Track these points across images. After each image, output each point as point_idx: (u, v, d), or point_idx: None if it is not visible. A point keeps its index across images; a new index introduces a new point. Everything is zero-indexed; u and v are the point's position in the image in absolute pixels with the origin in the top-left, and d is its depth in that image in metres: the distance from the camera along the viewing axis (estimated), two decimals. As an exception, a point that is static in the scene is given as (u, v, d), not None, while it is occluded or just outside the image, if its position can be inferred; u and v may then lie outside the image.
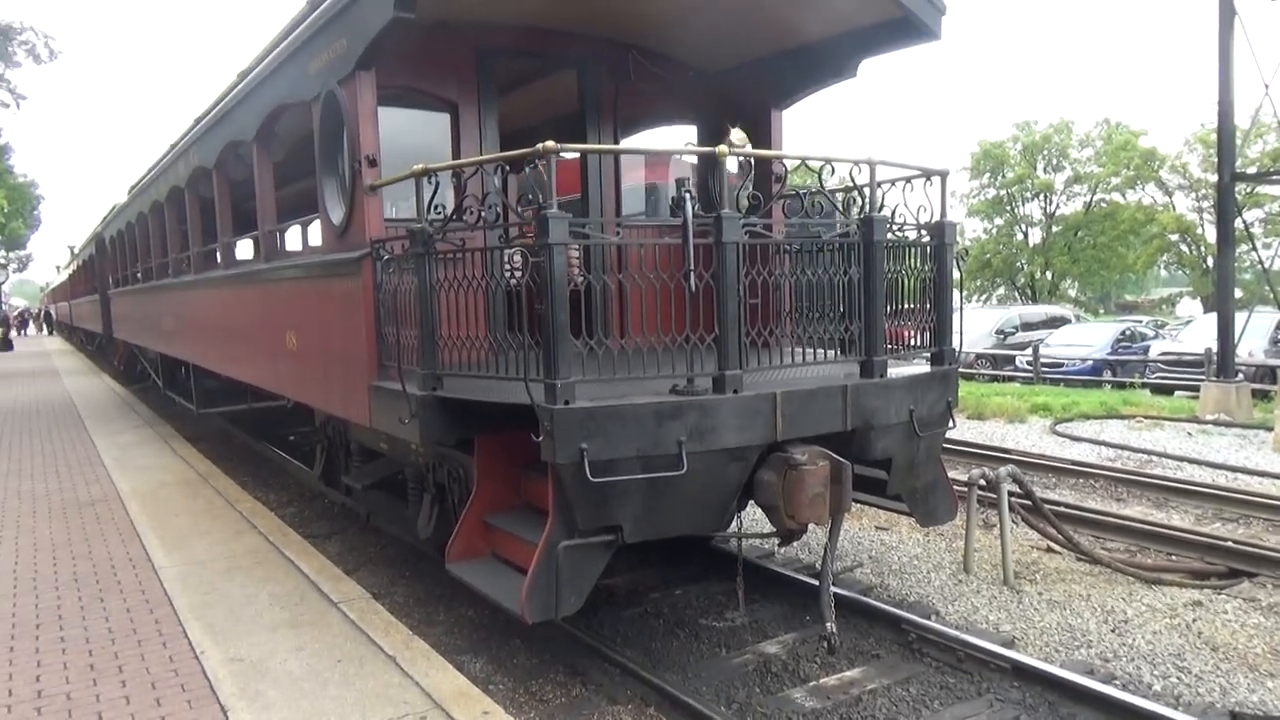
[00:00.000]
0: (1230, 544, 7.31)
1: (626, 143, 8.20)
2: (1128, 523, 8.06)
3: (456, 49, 6.75)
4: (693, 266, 4.62)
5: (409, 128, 7.07)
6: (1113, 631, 5.87)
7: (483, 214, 5.04)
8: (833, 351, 5.56)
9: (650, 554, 6.70)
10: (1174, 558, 7.33)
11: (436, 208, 5.17)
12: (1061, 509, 8.35)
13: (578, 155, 7.68)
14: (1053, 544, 7.43)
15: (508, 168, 5.76)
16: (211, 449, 12.30)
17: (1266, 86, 15.49)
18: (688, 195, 4.83)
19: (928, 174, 6.26)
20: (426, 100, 6.90)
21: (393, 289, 5.49)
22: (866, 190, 5.51)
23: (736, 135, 6.70)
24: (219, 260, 10.30)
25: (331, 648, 4.75)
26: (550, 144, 4.43)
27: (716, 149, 4.84)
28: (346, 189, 6.16)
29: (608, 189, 7.63)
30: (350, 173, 6.01)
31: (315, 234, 8.68)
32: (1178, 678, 5.20)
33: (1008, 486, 6.86)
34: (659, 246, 5.67)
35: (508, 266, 5.47)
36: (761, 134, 7.83)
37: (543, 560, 4.40)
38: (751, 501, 5.08)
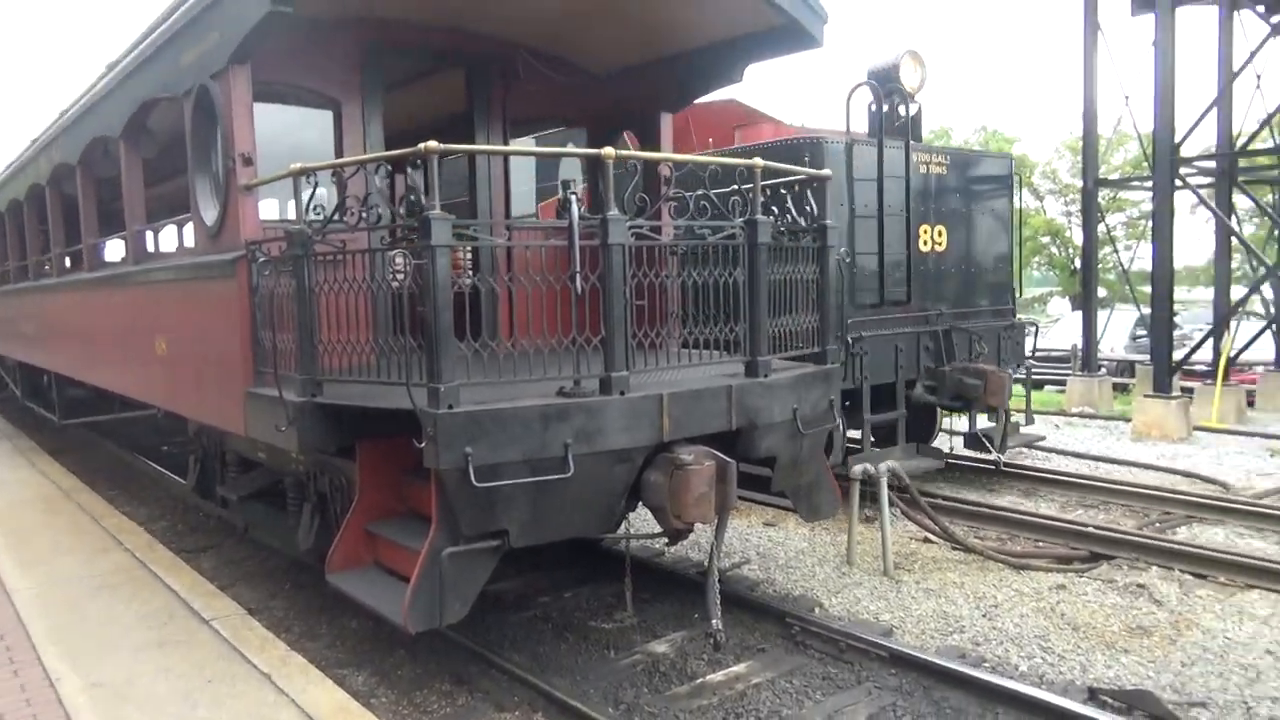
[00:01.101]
0: (1091, 529, 7.76)
1: (516, 144, 8.14)
2: (1000, 512, 8.46)
3: (340, 45, 6.56)
4: (578, 268, 4.62)
5: (290, 125, 6.85)
6: (984, 616, 6.15)
7: (363, 215, 4.92)
8: (719, 352, 5.66)
9: (540, 557, 6.66)
10: (1040, 544, 7.73)
11: (316, 208, 5.03)
12: (938, 500, 8.70)
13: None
14: (930, 535, 7.73)
15: (390, 167, 5.64)
16: (76, 463, 11.61)
17: (1127, 98, 16.68)
18: (573, 197, 4.82)
19: (811, 178, 6.44)
20: (308, 97, 6.69)
21: (269, 292, 5.30)
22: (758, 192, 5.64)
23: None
24: (85, 262, 9.75)
25: (201, 667, 4.56)
26: (432, 144, 4.36)
27: (602, 151, 4.86)
28: (220, 188, 5.92)
29: (496, 190, 7.55)
30: (224, 171, 5.78)
31: (190, 235, 8.32)
32: (1042, 658, 5.48)
33: (885, 480, 7.11)
34: (546, 248, 5.65)
35: (391, 269, 5.36)
36: (651, 136, 7.91)
37: (426, 568, 4.32)
38: (640, 502, 5.11)
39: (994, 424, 9.72)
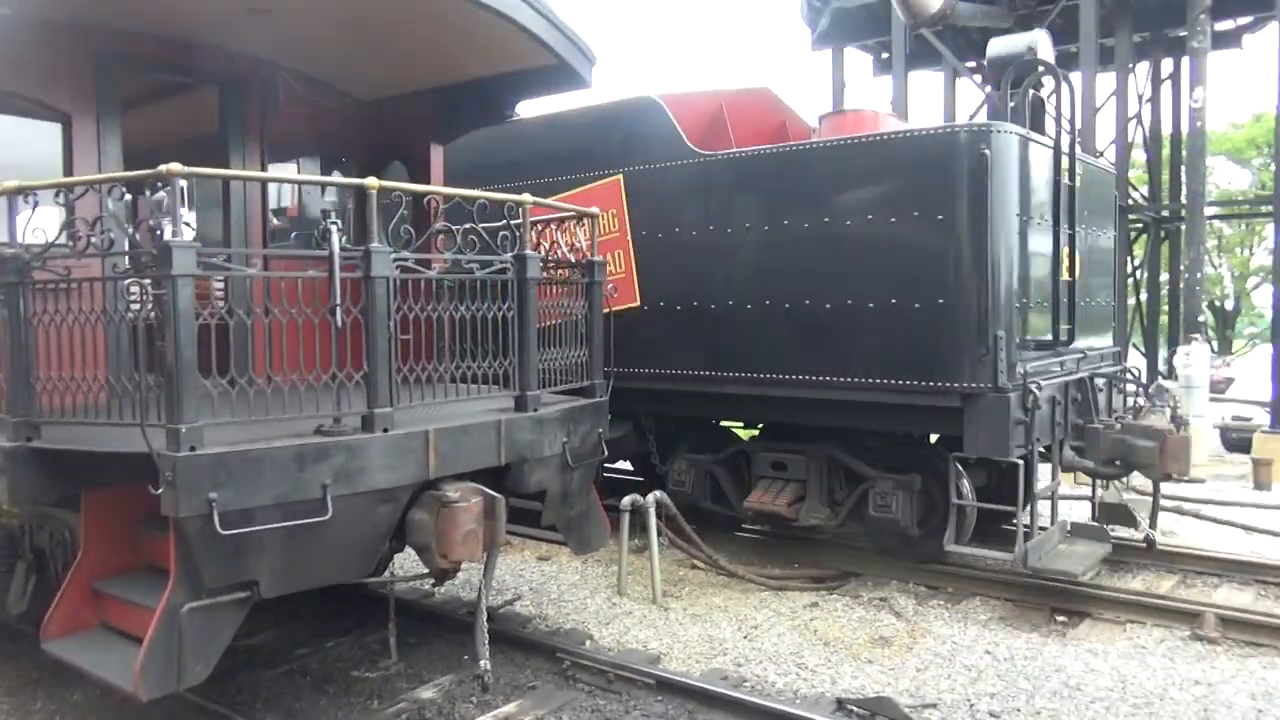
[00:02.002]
0: (839, 549, 8.36)
1: (276, 169, 7.74)
2: (760, 537, 8.92)
3: (70, 53, 5.97)
4: (339, 301, 4.45)
5: (14, 138, 6.14)
6: (745, 638, 6.45)
7: (92, 240, 4.48)
8: (491, 386, 5.62)
9: (299, 606, 6.28)
10: (797, 565, 8.22)
11: (36, 231, 4.54)
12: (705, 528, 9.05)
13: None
14: (697, 561, 8.03)
15: (125, 189, 5.20)
16: None
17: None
18: (333, 227, 4.64)
19: (580, 215, 6.58)
20: (32, 108, 6.03)
21: (-25, 324, 4.70)
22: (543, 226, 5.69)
23: None
24: None
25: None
26: (175, 166, 4.06)
27: (365, 181, 4.73)
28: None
29: (253, 216, 7.13)
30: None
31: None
32: (797, 673, 5.82)
33: (654, 510, 7.32)
34: (305, 280, 5.39)
35: (127, 299, 4.91)
36: (421, 167, 7.80)
37: (161, 627, 3.95)
38: (406, 543, 4.95)
39: (1107, 489, 8.31)
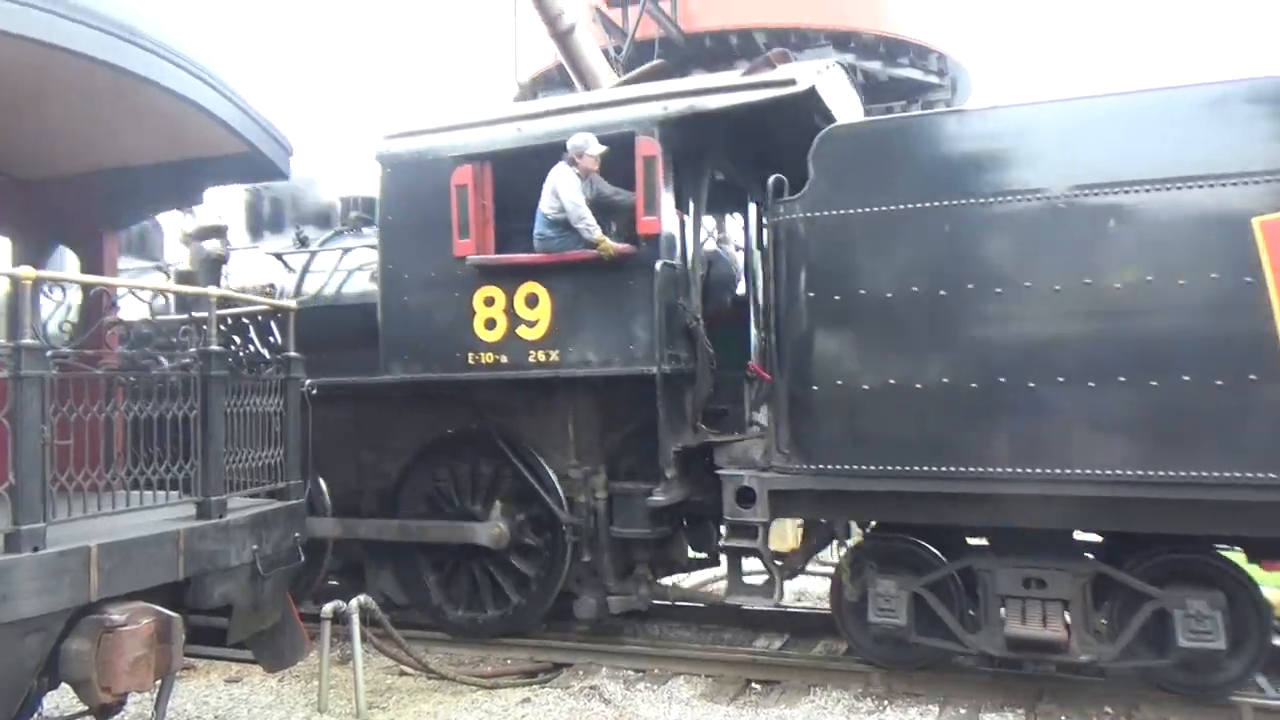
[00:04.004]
0: (551, 641, 8.36)
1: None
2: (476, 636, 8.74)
3: None
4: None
5: None
6: (455, 743, 6.26)
7: None
8: (174, 492, 5.18)
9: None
10: (509, 661, 8.14)
11: None
12: (414, 633, 8.69)
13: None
14: (405, 667, 7.71)
15: None
16: None
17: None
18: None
19: (275, 309, 6.34)
20: None
21: None
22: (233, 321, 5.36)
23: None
24: None
25: None
26: None
27: (18, 271, 4.27)
28: None
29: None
30: None
31: None
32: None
33: (357, 616, 6.98)
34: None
35: None
36: (94, 256, 7.12)
37: None
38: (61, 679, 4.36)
39: None
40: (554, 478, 7.84)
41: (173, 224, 10.02)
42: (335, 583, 8.99)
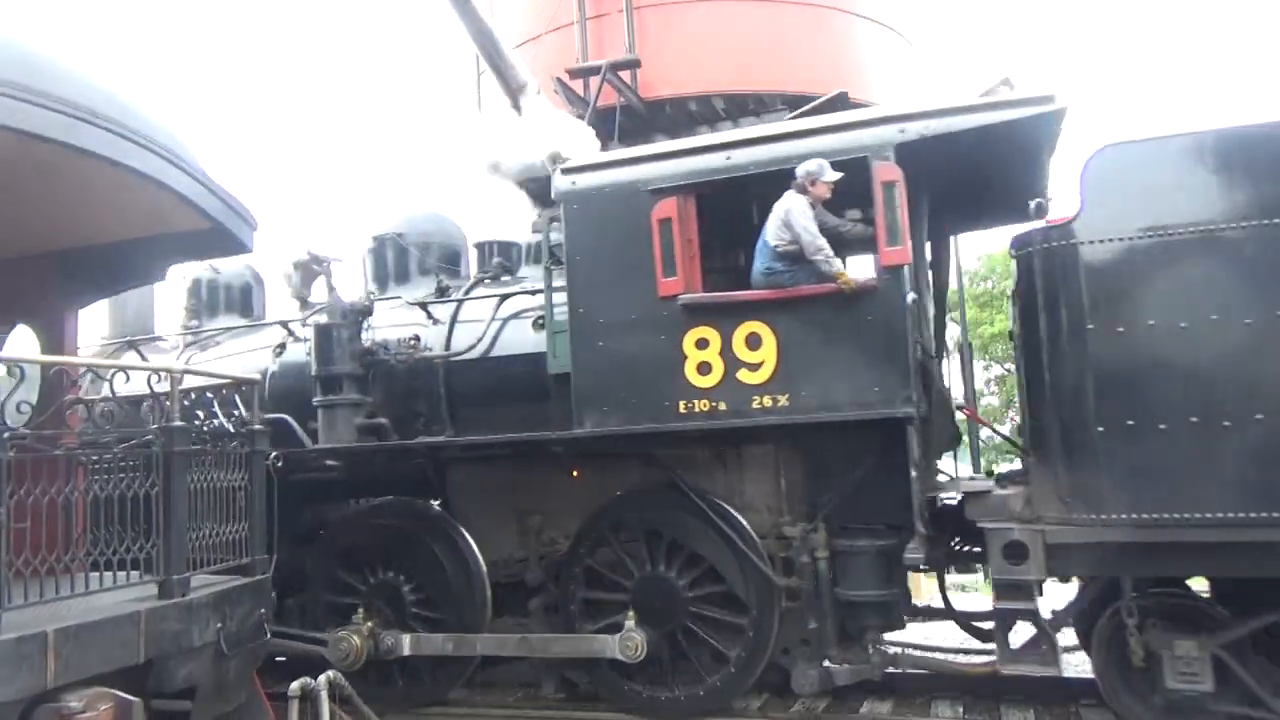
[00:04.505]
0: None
1: None
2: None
3: None
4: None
5: None
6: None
7: None
8: (136, 572, 5.08)
9: None
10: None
11: None
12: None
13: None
14: (379, 745, 7.50)
15: None
16: None
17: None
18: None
19: (239, 383, 6.30)
20: None
21: None
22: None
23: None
24: None
25: None
26: None
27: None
28: None
29: None
30: None
31: None
32: None
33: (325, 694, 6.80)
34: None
35: None
36: (54, 335, 7.06)
37: None
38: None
39: None
40: (755, 537, 7.01)
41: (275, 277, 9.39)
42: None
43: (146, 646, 4.73)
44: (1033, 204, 6.45)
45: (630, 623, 6.93)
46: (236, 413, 5.98)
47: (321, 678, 6.94)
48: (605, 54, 11.52)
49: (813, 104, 8.90)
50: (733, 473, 7.26)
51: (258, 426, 5.97)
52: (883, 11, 13.70)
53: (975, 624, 7.45)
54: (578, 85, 11.53)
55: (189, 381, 5.90)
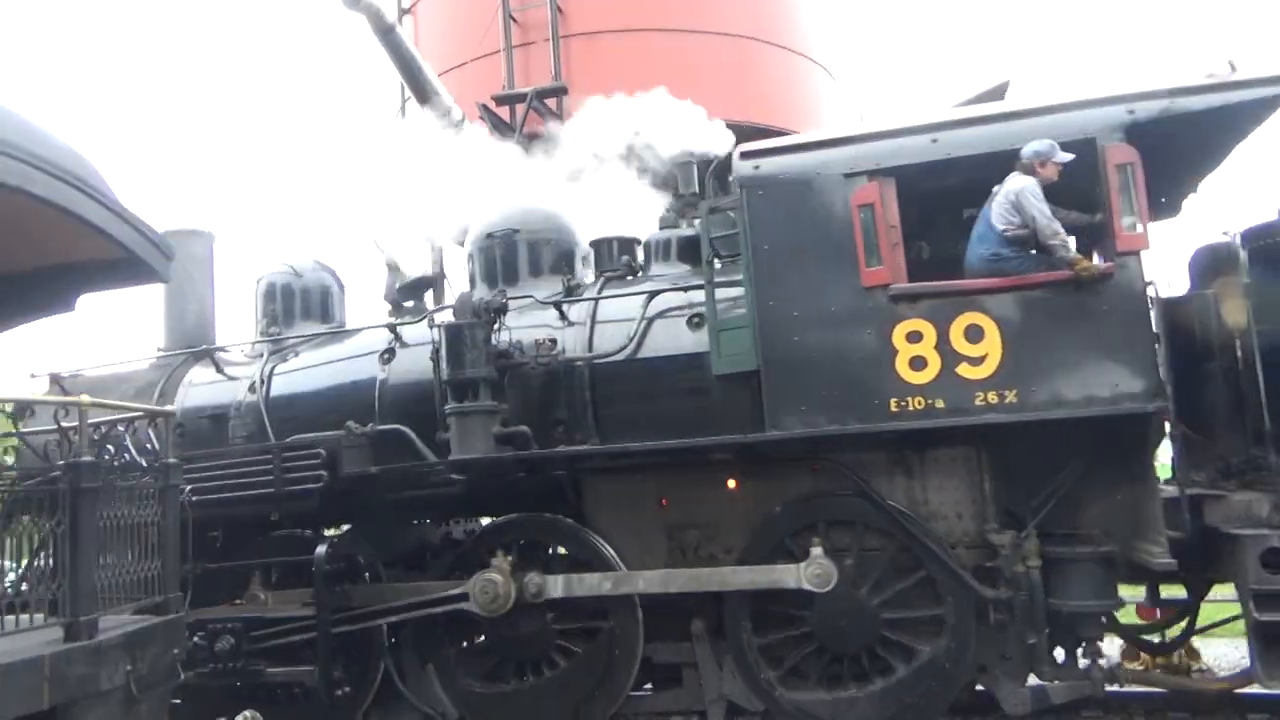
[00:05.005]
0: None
1: None
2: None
3: None
4: None
5: None
6: None
7: None
8: (42, 615, 4.88)
9: None
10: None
11: None
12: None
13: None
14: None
15: None
16: None
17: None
18: None
19: (153, 415, 6.13)
20: None
21: None
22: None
23: None
24: None
25: None
26: None
27: None
28: None
29: None
30: None
31: None
32: None
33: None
34: None
35: None
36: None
37: None
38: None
39: None
40: (944, 548, 6.54)
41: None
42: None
43: (51, 692, 4.54)
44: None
45: (817, 550, 6.44)
46: (149, 445, 5.81)
47: (246, 712, 6.79)
48: (532, 81, 11.63)
49: (983, 91, 8.17)
50: (915, 478, 6.73)
51: (171, 460, 5.81)
52: (806, 44, 14.08)
53: (1142, 636, 7.33)
54: (503, 112, 11.60)
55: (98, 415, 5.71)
